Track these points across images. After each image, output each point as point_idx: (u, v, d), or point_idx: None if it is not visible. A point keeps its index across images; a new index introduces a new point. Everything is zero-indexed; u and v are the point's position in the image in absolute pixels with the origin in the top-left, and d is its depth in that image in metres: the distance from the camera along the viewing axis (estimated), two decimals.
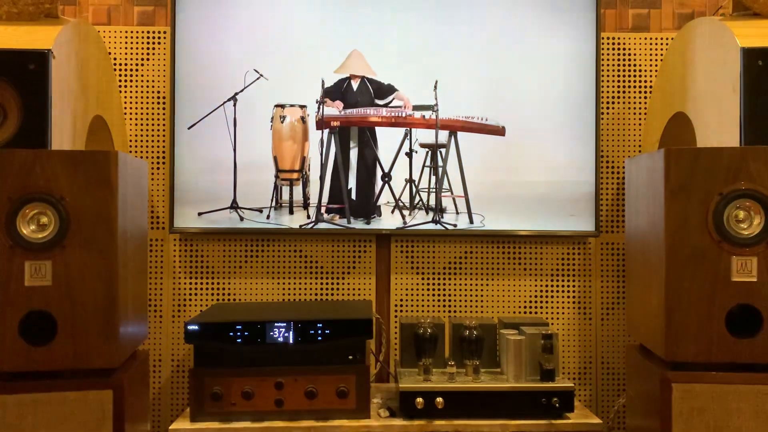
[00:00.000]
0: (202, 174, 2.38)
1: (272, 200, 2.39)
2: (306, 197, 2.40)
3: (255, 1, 2.37)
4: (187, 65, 2.35)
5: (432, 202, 2.40)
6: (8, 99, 1.73)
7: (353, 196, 2.40)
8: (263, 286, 2.41)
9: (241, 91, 2.37)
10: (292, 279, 2.41)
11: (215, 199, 2.38)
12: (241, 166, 2.38)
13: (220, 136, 2.37)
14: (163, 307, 2.39)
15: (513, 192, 2.40)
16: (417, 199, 2.40)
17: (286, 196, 2.39)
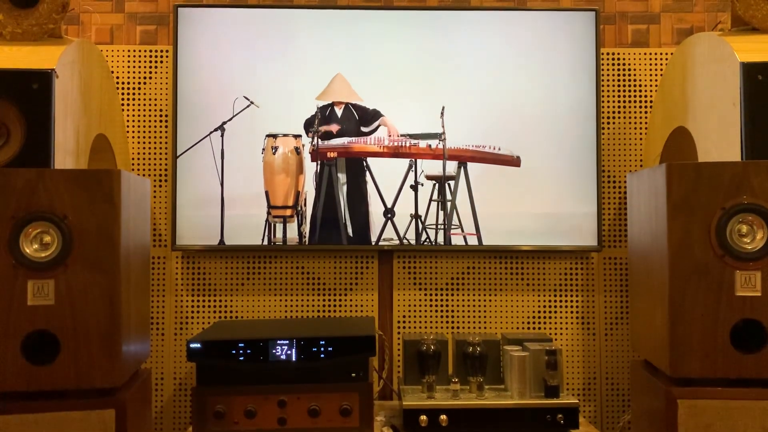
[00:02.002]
0: (188, 209, 2.31)
1: (264, 239, 2.29)
2: (301, 235, 2.28)
3: (256, 19, 2.38)
4: (190, 84, 2.36)
5: (440, 240, 2.29)
6: (11, 118, 1.74)
7: (350, 234, 2.29)
8: (265, 303, 2.41)
9: (230, 119, 2.30)
10: (295, 296, 2.41)
11: (203, 237, 2.32)
12: (231, 200, 2.28)
13: (208, 167, 2.31)
14: (165, 324, 2.39)
15: (528, 225, 2.30)
16: (423, 236, 2.27)
17: (280, 234, 2.28)
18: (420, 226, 2.28)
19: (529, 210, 2.33)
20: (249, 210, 2.30)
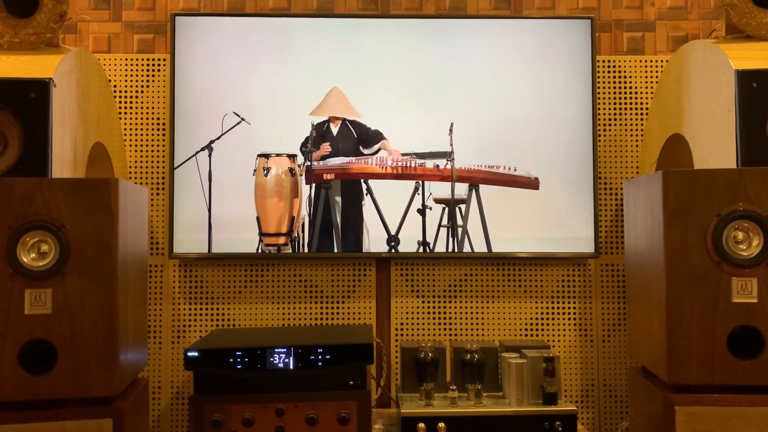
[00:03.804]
0: (178, 232, 2.28)
1: None
2: None
3: (254, 28, 2.39)
4: (187, 92, 2.36)
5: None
6: (9, 127, 1.74)
7: None
8: (263, 311, 2.40)
9: (218, 138, 2.22)
10: (292, 304, 2.41)
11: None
12: (220, 225, 2.19)
13: (195, 187, 2.27)
14: (162, 333, 2.38)
15: (538, 241, 2.24)
16: None
17: None
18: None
19: (547, 235, 2.27)
20: (239, 235, 2.20)
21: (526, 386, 1.95)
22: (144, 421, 2.00)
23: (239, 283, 2.40)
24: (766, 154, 1.76)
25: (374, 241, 2.18)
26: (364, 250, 2.18)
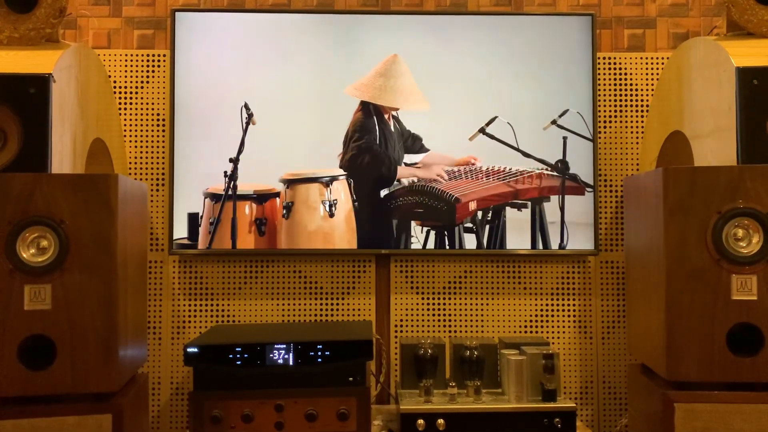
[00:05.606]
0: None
1: None
2: None
3: (254, 24, 2.39)
4: (187, 88, 2.36)
5: None
6: (9, 123, 1.74)
7: None
8: (262, 307, 2.40)
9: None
10: (292, 300, 2.41)
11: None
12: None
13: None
14: (162, 329, 2.38)
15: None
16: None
17: None
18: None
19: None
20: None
21: (525, 383, 1.95)
22: (143, 417, 2.01)
23: (239, 279, 2.40)
24: (766, 152, 1.76)
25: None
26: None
